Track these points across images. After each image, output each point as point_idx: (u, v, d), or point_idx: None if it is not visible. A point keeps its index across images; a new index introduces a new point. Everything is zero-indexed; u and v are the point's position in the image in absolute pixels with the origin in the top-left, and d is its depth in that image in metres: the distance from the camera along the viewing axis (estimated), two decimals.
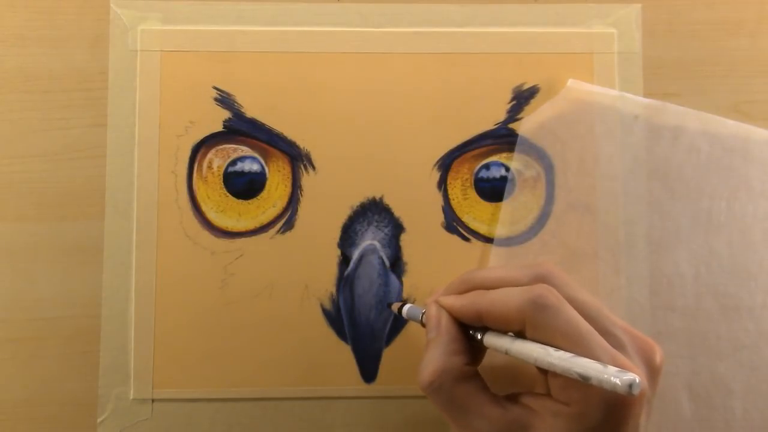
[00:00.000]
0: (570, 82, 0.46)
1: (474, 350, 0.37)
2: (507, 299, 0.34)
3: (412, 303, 0.45)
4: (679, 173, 0.46)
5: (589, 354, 0.31)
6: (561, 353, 0.31)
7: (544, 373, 0.34)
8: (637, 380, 0.28)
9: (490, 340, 0.35)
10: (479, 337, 0.36)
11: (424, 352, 0.36)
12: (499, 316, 0.34)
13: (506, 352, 0.34)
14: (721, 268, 0.45)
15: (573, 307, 0.33)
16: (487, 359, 0.38)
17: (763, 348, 0.45)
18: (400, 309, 0.42)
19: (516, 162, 0.46)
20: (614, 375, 0.28)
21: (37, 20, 0.46)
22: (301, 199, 0.45)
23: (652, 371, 0.34)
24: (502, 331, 0.35)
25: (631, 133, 0.46)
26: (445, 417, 0.35)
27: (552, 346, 0.32)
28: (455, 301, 0.37)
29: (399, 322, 0.45)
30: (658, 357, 0.34)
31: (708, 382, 0.44)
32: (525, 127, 0.46)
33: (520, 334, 0.34)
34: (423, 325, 0.39)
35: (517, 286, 0.35)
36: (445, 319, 0.36)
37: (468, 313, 0.36)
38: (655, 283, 0.45)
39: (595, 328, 0.32)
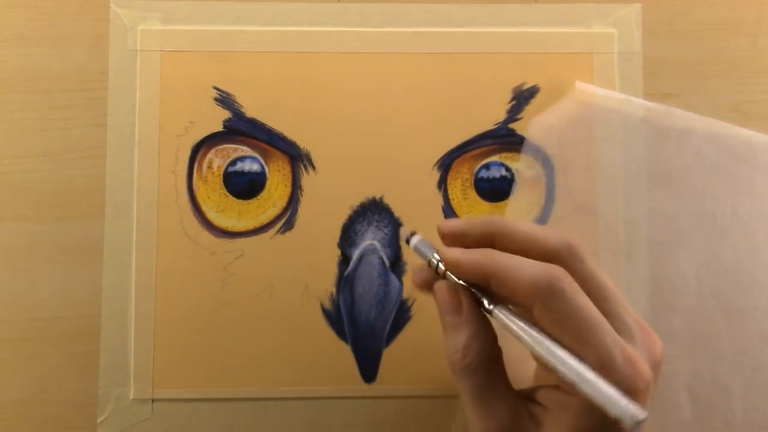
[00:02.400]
0: (577, 84, 0.46)
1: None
2: (522, 271, 0.32)
3: (413, 297, 0.45)
4: (683, 177, 0.46)
5: (599, 343, 0.30)
6: (573, 362, 0.30)
7: None
8: (642, 417, 0.28)
9: (501, 316, 0.33)
10: (488, 306, 0.33)
11: (451, 333, 0.34)
12: (510, 284, 0.32)
13: (516, 337, 0.32)
14: (723, 270, 0.45)
15: (590, 284, 0.32)
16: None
17: (764, 349, 0.45)
18: (408, 238, 0.37)
19: (521, 164, 0.46)
20: (623, 408, 0.28)
21: (37, 20, 0.46)
22: (301, 199, 0.45)
23: (654, 364, 0.33)
24: (506, 299, 0.33)
25: (634, 135, 0.46)
26: (469, 401, 0.34)
27: (561, 330, 0.31)
28: (463, 256, 0.34)
29: (399, 322, 0.45)
30: (659, 350, 0.34)
31: (708, 383, 0.44)
32: (532, 129, 0.45)
33: (526, 310, 0.33)
34: (429, 266, 0.36)
35: (544, 245, 0.33)
36: (466, 299, 0.34)
37: (475, 272, 0.33)
38: (655, 284, 0.45)
39: (608, 312, 0.32)
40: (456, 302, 0.34)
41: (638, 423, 0.28)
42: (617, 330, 0.32)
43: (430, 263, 0.35)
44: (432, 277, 0.36)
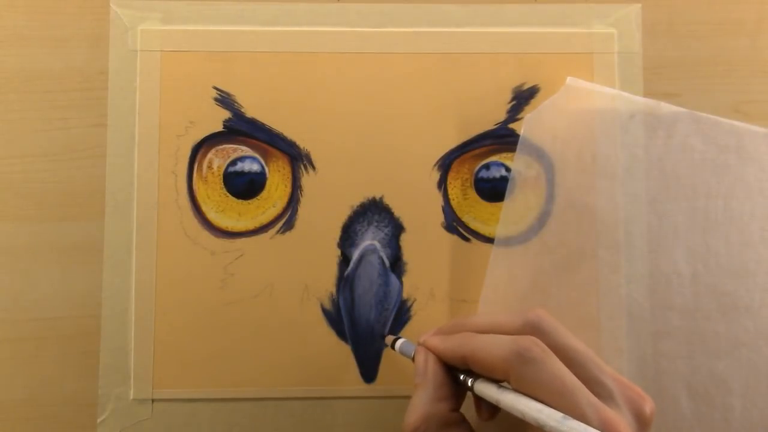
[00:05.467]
0: (569, 80, 0.46)
1: (462, 394, 0.37)
2: (492, 348, 0.34)
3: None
4: (674, 172, 0.46)
5: (575, 407, 0.31)
6: (551, 412, 0.31)
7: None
8: None
9: (481, 388, 0.35)
10: (469, 384, 0.35)
11: (412, 396, 0.36)
12: (484, 363, 0.34)
13: (497, 403, 0.33)
14: (719, 266, 0.45)
15: (562, 353, 0.33)
16: None
17: (762, 346, 0.45)
18: (393, 343, 0.42)
19: (516, 162, 0.46)
20: None
21: (37, 20, 0.46)
22: (301, 199, 0.45)
23: (642, 422, 0.33)
24: (487, 377, 0.35)
25: (628, 131, 0.46)
26: None
27: (536, 397, 0.32)
28: (441, 343, 0.37)
29: (399, 323, 0.45)
30: (648, 408, 0.33)
31: (707, 380, 0.44)
32: (526, 126, 0.46)
33: (506, 382, 0.34)
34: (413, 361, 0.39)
35: (507, 333, 0.35)
36: (431, 364, 0.37)
37: (453, 356, 0.36)
38: (653, 281, 0.45)
39: (584, 376, 0.32)
40: (424, 367, 0.37)
41: None
42: (595, 393, 0.32)
43: (414, 359, 0.39)
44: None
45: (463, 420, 0.36)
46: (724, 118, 0.46)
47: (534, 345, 0.33)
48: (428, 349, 0.37)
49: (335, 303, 0.45)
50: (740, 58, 0.47)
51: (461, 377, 0.36)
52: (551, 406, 0.31)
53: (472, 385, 0.35)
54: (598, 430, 0.30)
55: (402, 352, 0.41)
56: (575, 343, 0.34)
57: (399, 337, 0.42)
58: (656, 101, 0.46)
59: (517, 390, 0.33)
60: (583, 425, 0.29)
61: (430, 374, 0.36)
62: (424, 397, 0.35)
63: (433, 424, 0.35)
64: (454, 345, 0.36)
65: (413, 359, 0.39)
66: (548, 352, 0.32)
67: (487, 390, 0.34)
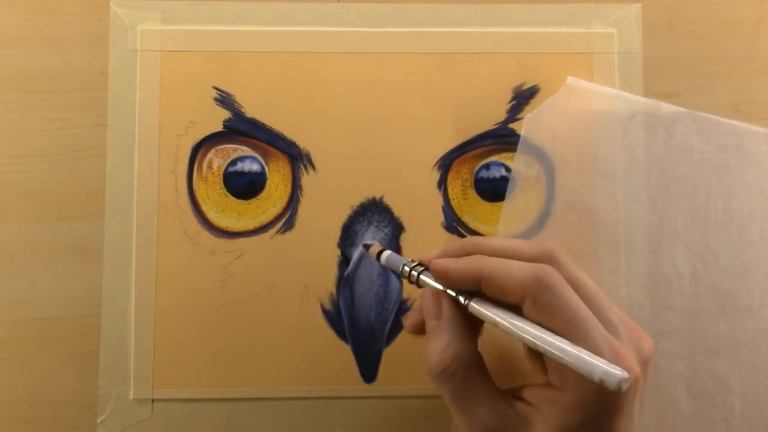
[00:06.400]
0: (569, 80, 0.46)
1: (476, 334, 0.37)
2: (511, 270, 0.33)
3: (412, 303, 0.45)
4: (674, 172, 0.46)
5: (587, 337, 0.31)
6: (553, 337, 0.31)
7: (540, 358, 0.34)
8: (625, 375, 0.29)
9: (477, 308, 0.34)
10: (464, 302, 0.35)
11: (430, 338, 0.35)
12: (500, 284, 0.33)
13: (495, 325, 0.33)
14: (719, 266, 0.45)
15: (575, 287, 0.33)
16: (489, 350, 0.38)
17: (762, 346, 0.45)
18: (379, 254, 0.40)
19: (516, 162, 0.46)
20: (604, 370, 0.29)
21: (37, 20, 0.46)
22: (301, 199, 0.45)
23: (643, 361, 0.34)
24: (497, 300, 0.34)
25: (628, 131, 0.46)
26: (450, 405, 0.35)
27: (550, 326, 0.32)
28: (453, 264, 0.35)
29: (399, 322, 0.45)
30: (647, 347, 0.34)
31: (707, 380, 0.44)
32: (526, 126, 0.46)
33: (515, 308, 0.34)
34: (404, 278, 0.38)
35: (523, 259, 0.34)
36: (446, 304, 0.36)
37: (466, 276, 0.35)
38: (653, 282, 0.45)
39: (593, 312, 0.33)
40: (438, 308, 0.36)
41: (622, 382, 0.29)
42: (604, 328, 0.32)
43: (402, 272, 0.38)
44: (421, 320, 0.37)
45: (483, 363, 0.36)
46: (724, 118, 0.46)
47: (553, 272, 0.33)
48: (438, 270, 0.36)
49: (335, 303, 0.45)
50: (740, 58, 0.47)
51: (456, 296, 0.35)
52: (564, 335, 0.31)
53: (467, 303, 0.35)
54: (611, 360, 0.30)
55: (389, 266, 0.39)
56: (587, 279, 0.34)
57: (384, 249, 0.41)
58: (656, 101, 0.46)
59: (528, 316, 0.33)
60: (590, 355, 0.30)
61: (448, 313, 0.36)
62: (448, 336, 0.35)
63: (462, 363, 0.34)
64: (467, 266, 0.35)
65: (404, 277, 0.38)
66: (564, 282, 0.33)
67: (485, 311, 0.34)
